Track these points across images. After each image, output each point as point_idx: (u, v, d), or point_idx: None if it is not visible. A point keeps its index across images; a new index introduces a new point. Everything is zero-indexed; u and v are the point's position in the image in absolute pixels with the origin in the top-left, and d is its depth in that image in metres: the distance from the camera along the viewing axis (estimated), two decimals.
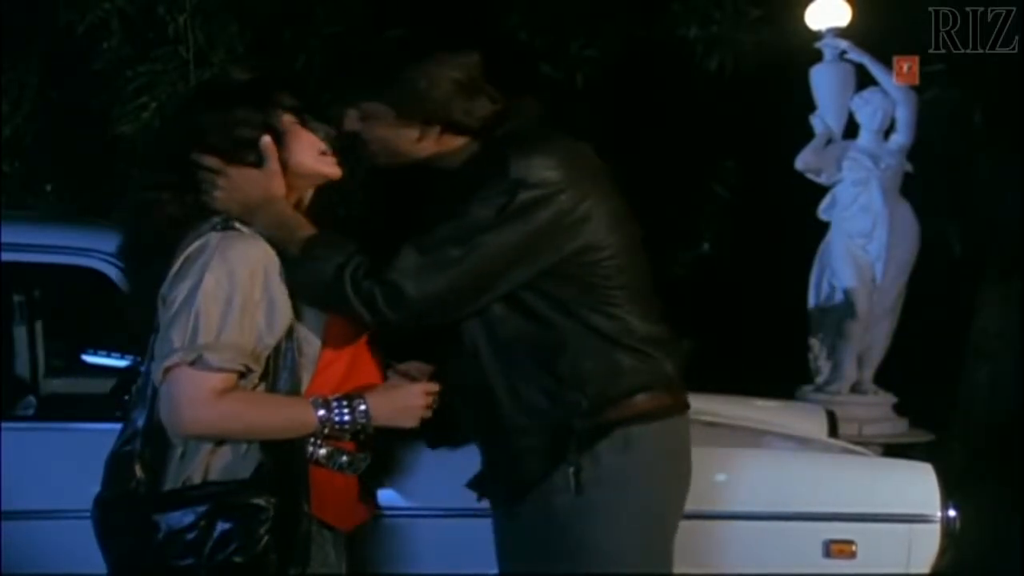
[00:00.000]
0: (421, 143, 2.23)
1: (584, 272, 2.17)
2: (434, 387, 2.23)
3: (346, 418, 2.10)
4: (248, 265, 2.03)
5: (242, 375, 2.03)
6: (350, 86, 2.27)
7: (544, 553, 2.21)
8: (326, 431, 2.09)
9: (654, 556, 2.24)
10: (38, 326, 3.88)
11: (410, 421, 2.20)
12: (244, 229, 2.08)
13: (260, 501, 2.02)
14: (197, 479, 2.04)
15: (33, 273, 3.34)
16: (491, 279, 2.14)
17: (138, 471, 2.07)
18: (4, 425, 2.81)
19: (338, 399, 2.11)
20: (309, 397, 2.10)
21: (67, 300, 4.15)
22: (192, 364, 1.97)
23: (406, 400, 2.19)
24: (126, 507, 2.08)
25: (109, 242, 2.80)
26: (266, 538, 2.01)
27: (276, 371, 2.09)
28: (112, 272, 2.77)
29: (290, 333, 2.08)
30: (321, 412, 2.08)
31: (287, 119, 2.17)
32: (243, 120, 2.12)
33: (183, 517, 2.01)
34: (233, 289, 2.00)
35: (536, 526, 2.21)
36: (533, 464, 2.19)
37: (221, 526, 2.00)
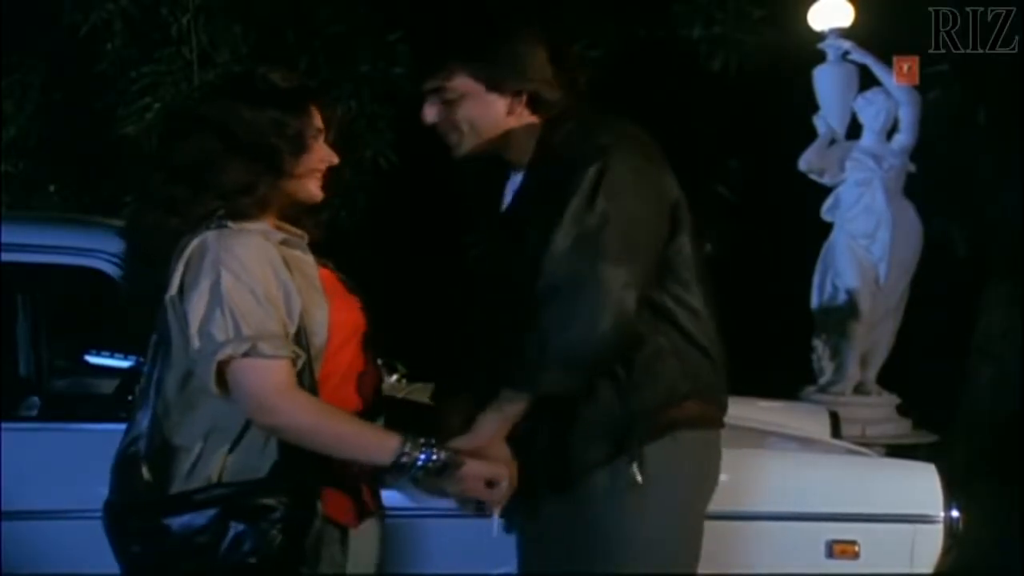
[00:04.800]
0: (508, 117, 2.25)
1: (670, 253, 2.20)
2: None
3: (433, 458, 2.03)
4: (256, 259, 2.03)
5: (293, 363, 2.02)
6: (439, 62, 2.26)
7: (580, 541, 2.23)
8: (403, 460, 2.02)
9: (686, 552, 2.28)
10: (41, 326, 3.88)
11: (482, 492, 2.13)
12: (235, 226, 2.07)
13: (271, 501, 2.01)
14: (215, 480, 2.03)
15: (36, 273, 3.34)
16: (636, 242, 2.13)
17: (145, 473, 2.06)
18: (8, 425, 2.81)
19: (429, 442, 2.04)
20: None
21: (70, 300, 4.16)
22: (246, 355, 1.96)
23: (496, 472, 2.12)
24: (136, 511, 2.07)
25: (112, 242, 2.80)
26: (279, 538, 2.00)
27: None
28: (115, 272, 2.77)
29: (299, 326, 2.07)
30: (406, 446, 2.01)
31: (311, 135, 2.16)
32: (279, 123, 2.09)
33: (195, 520, 2.00)
34: (253, 282, 2.00)
35: (581, 511, 2.22)
36: (592, 454, 2.20)
37: (235, 528, 1.99)
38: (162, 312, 2.07)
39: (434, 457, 2.03)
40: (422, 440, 2.04)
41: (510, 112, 2.24)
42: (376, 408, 2.24)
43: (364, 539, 2.27)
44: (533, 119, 2.26)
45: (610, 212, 2.10)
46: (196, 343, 1.99)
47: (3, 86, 6.82)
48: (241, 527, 2.00)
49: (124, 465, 2.11)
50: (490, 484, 2.12)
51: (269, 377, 1.98)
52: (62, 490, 2.68)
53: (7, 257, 2.86)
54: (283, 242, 2.13)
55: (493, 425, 2.15)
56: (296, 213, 2.23)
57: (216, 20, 6.14)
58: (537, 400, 2.16)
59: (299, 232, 2.23)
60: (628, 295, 2.10)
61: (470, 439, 2.13)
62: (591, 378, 2.17)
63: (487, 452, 2.13)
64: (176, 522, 2.01)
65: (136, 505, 2.07)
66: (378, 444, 2.04)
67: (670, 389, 2.21)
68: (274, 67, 2.21)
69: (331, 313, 2.12)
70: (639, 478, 2.17)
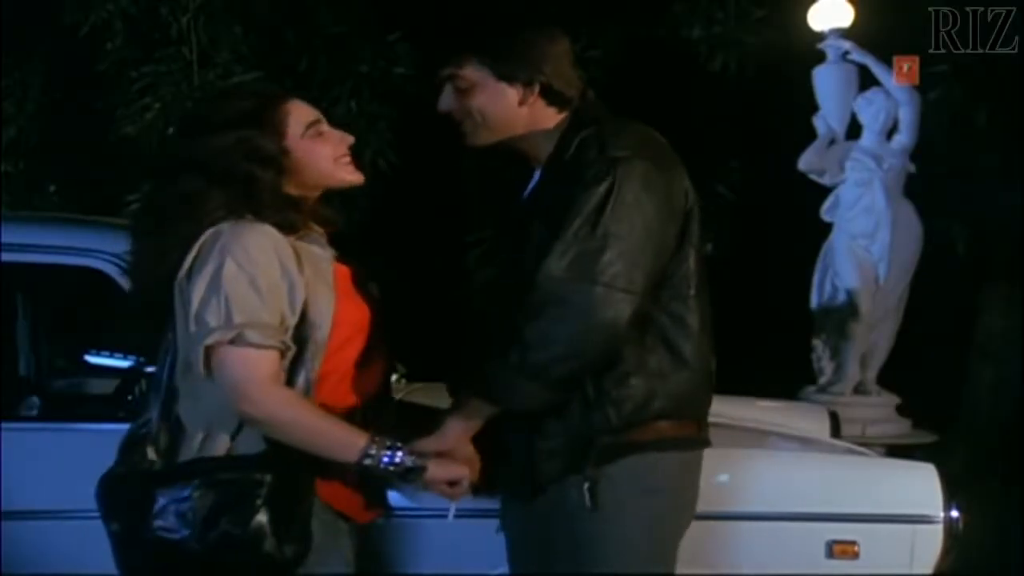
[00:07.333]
0: (520, 109, 2.24)
1: (673, 266, 2.18)
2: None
3: (396, 460, 2.07)
4: (263, 249, 2.06)
5: (282, 355, 2.05)
6: (455, 51, 2.27)
7: (548, 549, 2.23)
8: (366, 463, 2.06)
9: (652, 569, 2.25)
10: (41, 326, 3.88)
11: (444, 492, 2.17)
12: (252, 218, 2.10)
13: (255, 476, 2.03)
14: None
15: (36, 273, 3.34)
16: (642, 254, 2.11)
17: (150, 453, 2.10)
18: (8, 425, 2.81)
19: (395, 445, 2.08)
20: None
21: (70, 300, 4.16)
22: (232, 342, 1.99)
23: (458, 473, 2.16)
24: (128, 483, 2.10)
25: (111, 242, 2.81)
26: (260, 514, 2.01)
27: (294, 353, 2.09)
28: (114, 272, 2.77)
29: (302, 318, 2.09)
30: (372, 448, 2.05)
31: (308, 132, 2.17)
32: (245, 140, 2.11)
33: (178, 491, 2.03)
34: (256, 271, 2.03)
35: (545, 523, 2.23)
36: (550, 467, 2.19)
37: (213, 499, 2.01)
38: (172, 297, 2.09)
39: (397, 460, 2.07)
40: (388, 442, 2.07)
41: (522, 103, 2.24)
42: (377, 409, 2.24)
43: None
44: (551, 112, 2.26)
45: (614, 234, 2.08)
46: (192, 327, 2.03)
47: (3, 86, 6.83)
48: (220, 499, 2.01)
49: (131, 443, 2.14)
50: (452, 483, 2.15)
51: (251, 367, 2.01)
52: (62, 490, 2.68)
53: (7, 257, 2.86)
54: (299, 236, 2.15)
55: (459, 429, 2.17)
56: (320, 210, 2.26)
57: (216, 20, 6.15)
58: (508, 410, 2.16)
59: (319, 229, 2.25)
60: (619, 318, 2.08)
61: (436, 441, 2.15)
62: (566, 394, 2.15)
63: (452, 452, 2.16)
64: (161, 493, 2.04)
65: (130, 477, 2.10)
66: (346, 443, 2.06)
67: (638, 409, 2.17)
68: (232, 86, 2.23)
69: (337, 309, 2.14)
70: (588, 501, 2.16)
